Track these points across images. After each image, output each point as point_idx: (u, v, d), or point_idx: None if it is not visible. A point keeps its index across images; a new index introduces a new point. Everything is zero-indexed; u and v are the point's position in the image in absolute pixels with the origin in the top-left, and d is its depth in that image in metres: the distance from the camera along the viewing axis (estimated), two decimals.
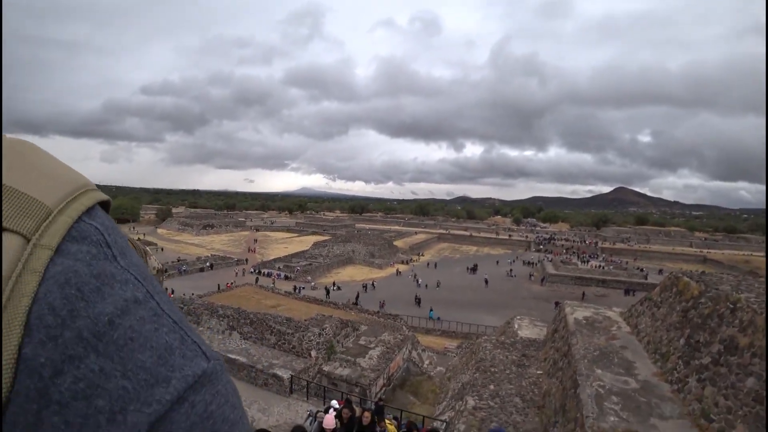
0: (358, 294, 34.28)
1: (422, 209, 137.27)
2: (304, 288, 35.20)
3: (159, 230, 77.72)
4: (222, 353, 15.86)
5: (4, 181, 0.21)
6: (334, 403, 7.40)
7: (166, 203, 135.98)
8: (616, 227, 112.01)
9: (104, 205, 0.28)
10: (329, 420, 5.90)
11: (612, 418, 5.94)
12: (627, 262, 57.92)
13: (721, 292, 7.49)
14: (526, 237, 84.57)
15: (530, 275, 48.37)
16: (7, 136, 0.24)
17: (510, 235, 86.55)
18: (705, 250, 72.81)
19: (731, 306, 6.85)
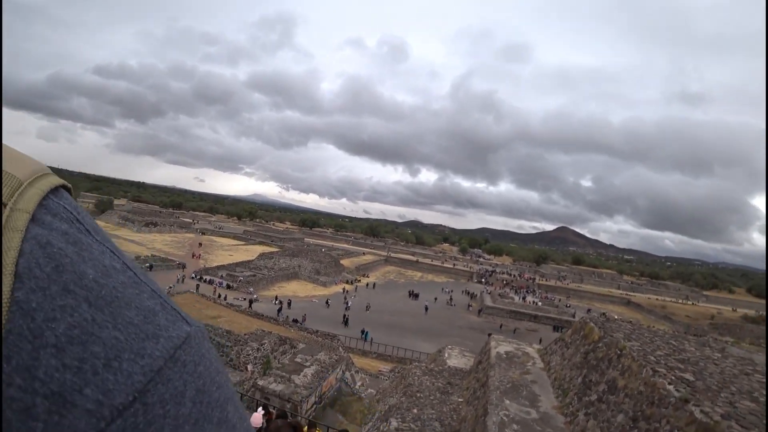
0: (280, 308, 34.63)
1: (373, 230, 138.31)
2: (246, 299, 34.98)
3: (97, 222, 73.52)
4: None
5: None
6: (260, 410, 7.89)
7: (108, 193, 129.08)
8: (555, 265, 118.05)
9: (68, 191, 0.28)
10: (257, 418, 6.41)
11: None
12: (560, 300, 61.34)
13: (614, 339, 8.73)
14: (470, 267, 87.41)
15: (468, 306, 50.20)
16: None
17: (454, 264, 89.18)
18: (629, 293, 78.49)
19: (618, 352, 8.05)
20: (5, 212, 0.21)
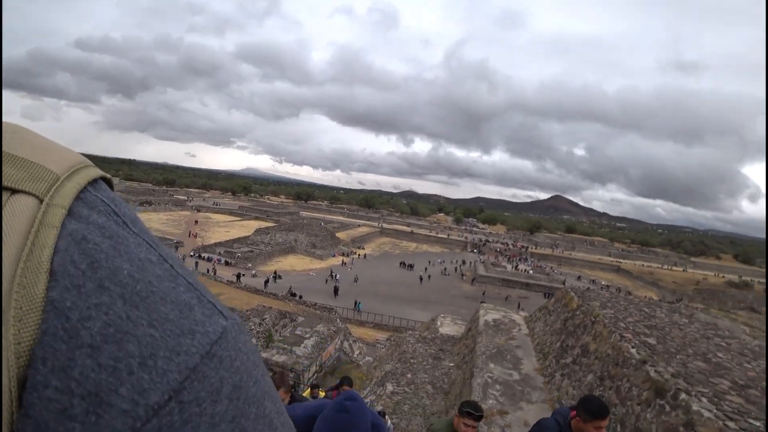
0: (267, 280, 35.72)
1: (367, 201, 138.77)
2: (243, 276, 35.81)
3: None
4: None
5: (12, 152, 0.22)
6: None
7: None
8: (548, 233, 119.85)
9: (107, 183, 0.29)
10: None
11: (491, 401, 7.65)
12: (551, 267, 62.78)
13: (590, 307, 9.48)
14: (465, 237, 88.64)
15: (462, 275, 51.43)
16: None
17: (449, 234, 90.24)
18: (619, 260, 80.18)
19: (593, 319, 8.80)
20: (41, 208, 0.20)
